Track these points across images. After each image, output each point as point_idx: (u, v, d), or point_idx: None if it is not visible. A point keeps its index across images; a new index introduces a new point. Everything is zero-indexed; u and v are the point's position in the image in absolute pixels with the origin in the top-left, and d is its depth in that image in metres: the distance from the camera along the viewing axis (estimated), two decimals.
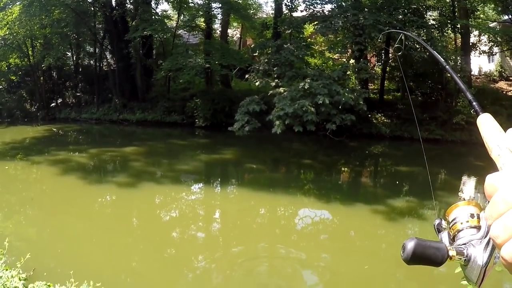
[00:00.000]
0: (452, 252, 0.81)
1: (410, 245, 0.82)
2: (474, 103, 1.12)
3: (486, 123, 0.96)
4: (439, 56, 1.22)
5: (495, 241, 0.66)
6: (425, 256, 0.81)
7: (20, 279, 5.30)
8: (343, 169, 18.41)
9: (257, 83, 20.35)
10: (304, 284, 8.15)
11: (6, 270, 5.52)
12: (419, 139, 21.77)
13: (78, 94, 32.66)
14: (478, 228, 0.85)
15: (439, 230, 0.92)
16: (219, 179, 16.36)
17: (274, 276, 8.37)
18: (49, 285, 5.12)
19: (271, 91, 18.81)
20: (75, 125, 27.17)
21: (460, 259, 0.82)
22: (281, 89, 18.47)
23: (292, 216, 12.15)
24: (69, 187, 13.07)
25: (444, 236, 0.88)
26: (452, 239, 0.85)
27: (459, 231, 0.85)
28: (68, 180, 13.71)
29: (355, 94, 18.64)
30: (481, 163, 17.25)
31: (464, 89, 1.19)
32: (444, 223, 0.92)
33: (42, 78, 32.13)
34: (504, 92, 26.82)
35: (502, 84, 29.04)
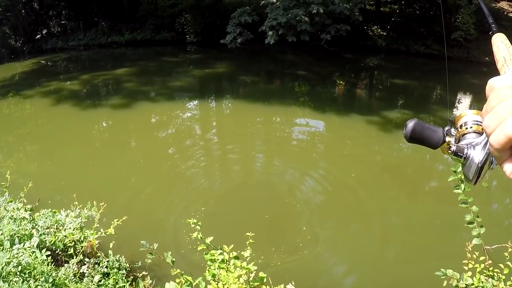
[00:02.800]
0: (448, 138, 0.90)
1: (411, 124, 0.88)
2: (491, 21, 1.14)
3: (500, 40, 1.00)
4: None
5: (486, 131, 0.72)
6: (423, 136, 0.89)
7: (26, 210, 5.24)
8: (338, 81, 18.10)
9: None
10: (298, 190, 8.12)
11: (11, 201, 5.47)
12: (415, 52, 21.53)
13: (63, 22, 31.43)
14: (481, 134, 0.90)
15: (447, 135, 0.95)
16: (214, 94, 16.07)
17: (270, 183, 8.39)
18: (54, 212, 5.07)
19: (263, 1, 18.12)
20: (64, 54, 26.34)
21: (460, 155, 0.87)
22: None
23: (287, 128, 12.06)
24: (64, 116, 12.88)
25: (451, 140, 0.93)
26: (457, 142, 0.90)
27: (464, 134, 0.89)
28: (62, 110, 13.48)
29: (350, 3, 18.04)
30: (477, 81, 17.04)
31: (484, 8, 1.18)
32: (453, 130, 0.95)
33: (23, 11, 30.66)
34: (505, 13, 26.13)
35: (503, 4, 28.21)
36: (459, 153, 0.87)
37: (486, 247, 3.74)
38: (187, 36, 24.42)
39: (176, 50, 24.02)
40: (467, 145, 0.88)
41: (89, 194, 6.07)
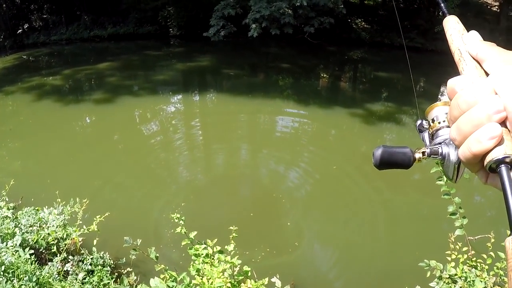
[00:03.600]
0: (418, 155, 0.85)
1: (377, 152, 0.85)
2: (442, 4, 0.99)
3: (451, 25, 0.90)
4: None
5: (454, 143, 0.73)
6: (392, 161, 0.85)
7: (8, 209, 5.18)
8: (322, 74, 18.16)
9: None
10: (282, 183, 8.18)
11: None
12: (400, 46, 21.63)
13: (44, 16, 30.94)
14: None
15: (420, 130, 0.91)
16: (197, 88, 16.02)
17: (254, 176, 8.43)
18: (37, 209, 5.04)
19: None
20: (46, 49, 25.95)
21: (435, 157, 0.84)
22: None
23: (272, 121, 12.09)
24: (46, 112, 12.73)
25: (425, 136, 0.90)
26: (431, 138, 0.87)
27: (437, 130, 0.86)
28: (44, 106, 13.30)
29: None
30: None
31: None
32: (425, 123, 0.91)
33: (4, 5, 30.04)
34: (488, 7, 26.37)
35: None
36: (433, 156, 0.85)
37: (469, 237, 3.80)
38: (170, 30, 24.27)
39: (159, 44, 23.84)
40: (440, 143, 0.85)
41: (72, 190, 6.05)
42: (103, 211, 4.67)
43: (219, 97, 14.40)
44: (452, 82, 0.75)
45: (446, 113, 0.87)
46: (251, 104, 12.93)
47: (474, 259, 3.48)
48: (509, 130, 0.66)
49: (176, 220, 3.60)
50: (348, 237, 6.39)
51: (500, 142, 0.65)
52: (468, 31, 0.86)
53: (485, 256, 3.43)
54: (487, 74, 0.74)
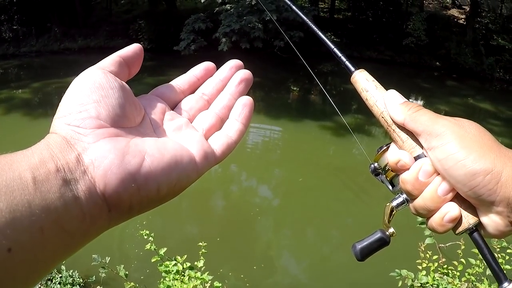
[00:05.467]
0: (391, 230, 0.81)
1: (356, 252, 0.82)
2: (345, 61, 0.89)
3: (363, 85, 0.81)
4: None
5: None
6: (373, 250, 0.82)
7: None
8: (292, 87, 18.35)
9: (202, 0, 19.60)
10: (252, 197, 8.21)
11: None
12: (368, 58, 22.02)
13: (14, 27, 30.55)
14: None
15: (376, 174, 0.84)
16: None
17: (224, 191, 8.44)
18: None
19: (217, 8, 18.20)
20: (15, 61, 25.39)
21: (404, 206, 0.79)
22: (228, 6, 17.86)
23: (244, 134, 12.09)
24: (15, 126, 12.51)
25: (384, 181, 0.83)
26: (391, 184, 0.82)
27: (393, 176, 0.79)
28: (13, 120, 13.09)
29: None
30: (428, 85, 17.57)
31: (329, 44, 0.94)
32: (378, 166, 0.82)
33: None
34: (455, 20, 27.04)
35: (454, 12, 29.15)
36: (401, 207, 0.79)
37: (440, 245, 3.89)
38: (141, 43, 23.89)
39: None
40: (401, 192, 0.78)
41: None
42: None
43: None
44: (396, 156, 0.72)
45: None
46: None
47: (446, 266, 3.53)
48: (463, 198, 0.67)
49: (145, 237, 3.64)
50: (318, 250, 6.48)
51: (460, 217, 0.67)
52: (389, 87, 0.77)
53: (456, 263, 3.50)
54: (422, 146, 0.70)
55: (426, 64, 21.48)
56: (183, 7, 26.66)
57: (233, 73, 0.76)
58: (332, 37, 23.03)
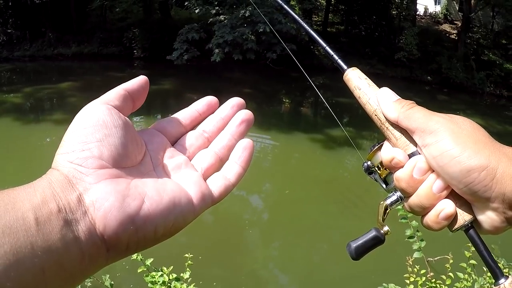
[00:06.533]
0: (386, 228, 0.78)
1: (351, 251, 0.78)
2: (337, 58, 0.93)
3: (356, 82, 0.83)
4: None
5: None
6: (367, 249, 0.79)
7: None
8: (284, 99, 18.44)
9: (196, 11, 19.69)
10: (242, 210, 8.23)
11: None
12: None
13: (9, 30, 30.43)
14: None
15: (370, 172, 0.82)
16: (159, 111, 16.01)
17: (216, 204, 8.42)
18: None
19: (211, 19, 18.29)
20: (8, 65, 25.27)
21: (399, 203, 0.77)
22: (222, 17, 17.97)
23: None
24: (4, 131, 12.40)
25: (378, 179, 0.81)
26: (385, 183, 0.80)
27: (387, 174, 0.79)
28: (3, 124, 12.93)
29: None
30: (419, 99, 17.46)
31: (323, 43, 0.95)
32: (371, 164, 0.81)
33: None
34: (447, 35, 27.42)
35: (446, 27, 29.65)
36: (396, 204, 0.78)
37: (429, 258, 3.89)
38: (134, 51, 24.17)
39: (123, 65, 23.65)
40: (395, 188, 0.77)
41: None
42: None
43: None
44: (390, 154, 0.72)
45: None
46: None
47: (434, 280, 3.52)
48: (458, 195, 0.67)
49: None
50: (307, 262, 6.50)
51: (456, 214, 0.67)
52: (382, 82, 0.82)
53: (444, 277, 3.49)
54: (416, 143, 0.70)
55: (417, 78, 21.79)
56: (177, 17, 26.76)
57: (235, 112, 0.75)
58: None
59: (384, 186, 0.80)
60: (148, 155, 0.64)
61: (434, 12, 32.97)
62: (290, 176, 9.88)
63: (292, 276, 6.33)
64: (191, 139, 0.72)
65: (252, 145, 0.72)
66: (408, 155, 0.71)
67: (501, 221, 0.64)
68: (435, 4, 33.53)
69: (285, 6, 0.97)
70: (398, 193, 0.75)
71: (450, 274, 3.48)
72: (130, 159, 0.59)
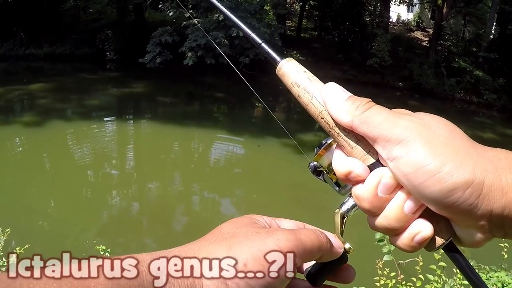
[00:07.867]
0: (347, 245, 0.68)
1: (310, 279, 0.66)
2: (269, 50, 0.73)
3: (293, 76, 0.66)
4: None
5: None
6: (329, 272, 0.68)
7: None
8: (256, 103, 18.49)
9: (170, 14, 19.65)
10: (212, 212, 8.27)
11: None
12: (332, 77, 22.33)
13: None
14: None
15: (318, 173, 0.71)
16: (132, 114, 15.98)
17: (188, 208, 8.46)
18: None
19: (184, 22, 18.27)
20: None
21: (353, 210, 0.66)
22: (195, 21, 17.96)
23: (205, 149, 12.27)
24: None
25: (327, 179, 0.70)
26: (337, 185, 0.69)
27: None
28: None
29: (271, 28, 18.61)
30: (391, 105, 17.66)
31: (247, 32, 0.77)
32: (318, 165, 0.70)
33: None
34: (419, 42, 27.95)
35: (418, 34, 30.32)
36: (353, 211, 0.67)
37: (399, 261, 3.96)
38: (107, 53, 23.94)
39: (96, 67, 23.37)
40: (350, 194, 0.65)
41: None
42: (24, 242, 4.61)
43: (153, 124, 14.42)
44: (345, 167, 0.59)
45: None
46: (185, 133, 13.06)
47: (404, 282, 3.56)
48: (433, 212, 0.55)
49: (102, 252, 3.67)
50: None
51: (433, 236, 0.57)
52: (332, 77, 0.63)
53: (414, 279, 3.57)
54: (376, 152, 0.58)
55: (389, 84, 22.16)
56: (151, 19, 26.52)
57: None
58: (298, 55, 23.36)
59: (337, 188, 0.69)
60: None
61: (406, 20, 33.72)
62: (260, 180, 9.94)
63: None
64: None
65: None
66: (368, 166, 0.58)
67: (485, 238, 0.55)
68: (408, 11, 34.23)
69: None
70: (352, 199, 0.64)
71: (420, 276, 3.56)
72: None
